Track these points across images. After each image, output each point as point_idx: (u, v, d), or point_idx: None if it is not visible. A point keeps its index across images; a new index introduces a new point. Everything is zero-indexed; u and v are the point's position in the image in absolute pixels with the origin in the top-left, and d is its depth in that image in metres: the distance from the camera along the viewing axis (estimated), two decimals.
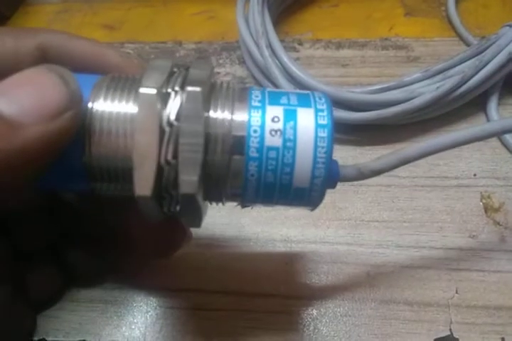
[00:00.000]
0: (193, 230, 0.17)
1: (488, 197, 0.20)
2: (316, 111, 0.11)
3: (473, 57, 0.22)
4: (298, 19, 0.29)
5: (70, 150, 0.11)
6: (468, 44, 0.26)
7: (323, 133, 0.11)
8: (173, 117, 0.11)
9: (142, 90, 0.11)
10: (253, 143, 0.11)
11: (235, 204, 0.13)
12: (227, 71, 0.27)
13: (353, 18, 0.28)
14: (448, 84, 0.21)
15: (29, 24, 0.32)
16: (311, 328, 0.17)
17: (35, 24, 0.32)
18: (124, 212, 0.14)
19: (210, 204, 0.13)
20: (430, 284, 0.18)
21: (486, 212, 0.20)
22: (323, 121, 0.11)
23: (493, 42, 0.22)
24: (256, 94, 0.12)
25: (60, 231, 0.17)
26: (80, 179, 0.11)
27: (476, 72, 0.22)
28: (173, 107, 0.11)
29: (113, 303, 0.18)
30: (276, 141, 0.11)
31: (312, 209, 0.13)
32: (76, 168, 0.11)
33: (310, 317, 0.17)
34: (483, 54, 0.22)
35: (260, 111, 0.11)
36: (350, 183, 0.21)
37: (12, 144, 0.10)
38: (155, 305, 0.18)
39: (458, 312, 0.17)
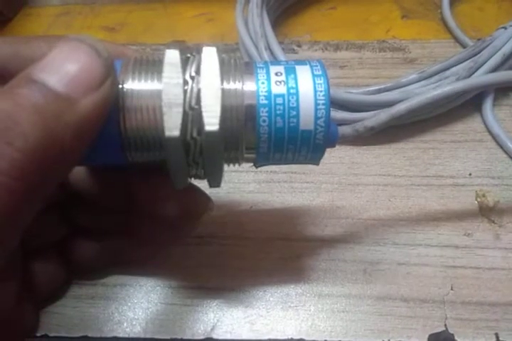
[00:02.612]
0: (201, 234, 0.17)
1: (483, 195, 0.21)
2: (311, 66, 0.13)
3: (469, 58, 0.23)
4: (296, 21, 0.29)
5: (107, 126, 0.12)
6: (464, 46, 0.26)
7: (320, 80, 0.13)
8: (193, 71, 0.12)
9: (168, 50, 0.12)
10: (262, 92, 0.13)
11: (250, 164, 0.14)
12: None
13: (351, 21, 0.29)
14: (443, 85, 0.22)
15: (30, 26, 0.32)
16: (309, 324, 0.18)
17: (37, 26, 0.32)
18: (150, 186, 0.15)
19: (228, 165, 0.14)
20: (426, 281, 0.18)
21: (480, 210, 0.20)
22: (318, 72, 0.13)
23: (489, 44, 0.23)
24: (259, 63, 0.14)
25: (69, 225, 0.17)
26: (116, 151, 0.13)
27: (471, 74, 0.22)
28: (193, 64, 0.12)
29: (114, 300, 0.18)
30: (281, 89, 0.13)
31: (317, 163, 0.14)
32: (112, 141, 0.13)
33: (308, 313, 0.18)
34: (478, 55, 0.23)
35: (265, 69, 0.13)
36: (347, 182, 0.22)
37: (74, 117, 0.11)
38: (156, 301, 0.18)
39: (453, 309, 0.18)
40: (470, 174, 0.21)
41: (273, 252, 0.20)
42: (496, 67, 0.22)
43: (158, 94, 0.12)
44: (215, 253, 0.20)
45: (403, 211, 0.20)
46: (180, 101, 0.12)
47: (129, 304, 0.18)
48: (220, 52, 0.13)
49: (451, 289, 0.18)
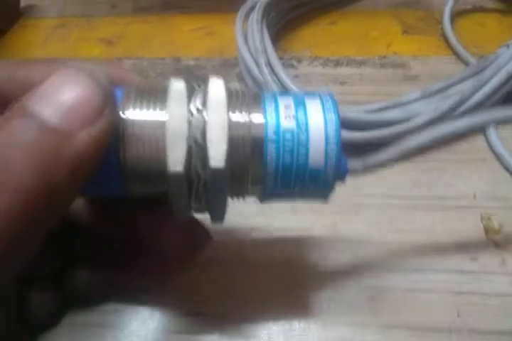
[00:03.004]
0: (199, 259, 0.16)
1: (489, 218, 0.20)
2: (322, 99, 0.13)
3: (472, 76, 0.23)
4: (296, 36, 0.29)
5: (107, 156, 0.12)
6: (465, 62, 0.26)
7: (331, 116, 0.13)
8: (199, 104, 0.12)
9: (173, 81, 0.12)
10: (270, 126, 0.12)
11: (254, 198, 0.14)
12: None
13: (351, 36, 0.28)
14: (446, 104, 0.21)
15: (26, 38, 0.32)
16: None
17: (33, 38, 0.32)
18: (150, 218, 0.15)
19: (232, 199, 0.14)
20: (432, 308, 0.18)
21: (486, 233, 0.20)
22: (329, 106, 0.13)
23: (492, 62, 0.23)
24: (267, 94, 0.14)
25: (66, 254, 0.16)
26: (115, 181, 0.12)
27: (475, 92, 0.22)
28: (199, 96, 0.12)
29: (110, 327, 0.18)
30: (290, 124, 0.12)
31: (326, 201, 0.14)
32: (112, 171, 0.12)
33: None
34: (481, 74, 0.22)
35: (273, 102, 0.13)
36: (350, 203, 0.21)
37: (71, 152, 0.10)
38: (153, 329, 0.18)
39: (460, 337, 0.17)
40: (474, 195, 0.21)
41: (274, 278, 0.19)
42: (500, 86, 0.22)
43: (161, 125, 0.12)
44: (214, 278, 0.19)
45: (407, 234, 0.20)
46: (185, 134, 0.12)
47: (126, 332, 0.18)
48: (226, 83, 0.13)
49: (458, 316, 0.18)
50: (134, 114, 0.12)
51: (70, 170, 0.10)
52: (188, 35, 0.31)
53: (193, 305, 0.18)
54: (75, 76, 0.11)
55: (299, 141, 0.12)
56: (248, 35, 0.26)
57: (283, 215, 0.21)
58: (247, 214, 0.21)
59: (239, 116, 0.12)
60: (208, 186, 0.12)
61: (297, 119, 0.12)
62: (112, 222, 0.15)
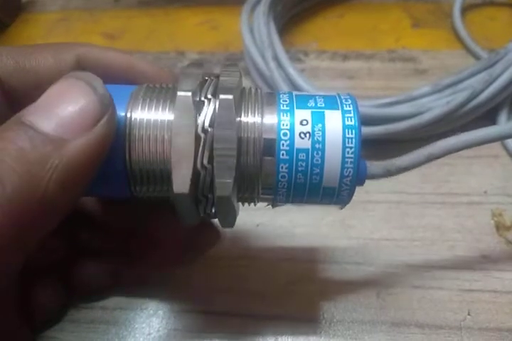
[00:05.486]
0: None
1: (500, 214, 0.20)
2: (343, 112, 0.12)
3: (483, 71, 0.22)
4: (303, 29, 0.29)
5: (111, 158, 0.11)
6: (476, 56, 0.26)
7: (351, 134, 0.11)
8: (207, 124, 0.11)
9: (179, 94, 0.11)
10: (283, 146, 0.11)
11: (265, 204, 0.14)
12: None
13: (359, 29, 0.28)
14: (458, 99, 0.21)
15: (28, 32, 0.32)
16: None
17: (35, 32, 0.31)
18: (157, 215, 0.15)
19: (243, 205, 0.14)
20: (441, 306, 0.18)
21: (497, 230, 0.20)
22: (351, 122, 0.12)
23: (503, 57, 0.22)
24: (284, 98, 0.12)
25: (70, 245, 0.16)
26: (120, 184, 0.12)
27: (486, 87, 0.21)
28: (207, 114, 0.11)
29: (114, 324, 0.18)
30: (305, 143, 0.11)
31: (341, 208, 0.13)
32: (117, 174, 0.12)
33: (319, 340, 0.17)
34: (493, 68, 0.22)
35: (289, 115, 0.12)
36: (358, 199, 0.21)
37: (61, 160, 0.10)
38: (158, 326, 0.18)
39: (470, 335, 0.17)
40: (485, 191, 0.21)
41: (281, 274, 0.19)
42: (511, 81, 0.21)
43: (168, 125, 0.11)
44: (219, 275, 0.19)
45: (417, 230, 0.20)
46: (191, 153, 0.11)
47: (130, 329, 0.17)
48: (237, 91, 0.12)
49: (468, 314, 0.17)
50: (142, 114, 0.12)
51: (59, 180, 0.10)
52: (192, 28, 0.30)
53: (198, 303, 0.18)
54: (72, 86, 0.11)
55: (313, 162, 0.11)
56: (254, 28, 0.25)
57: (290, 212, 0.21)
58: (254, 211, 0.20)
59: (251, 132, 0.12)
60: (216, 207, 0.12)
61: (313, 137, 0.11)
62: (122, 214, 0.15)
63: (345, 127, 0.11)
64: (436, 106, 0.21)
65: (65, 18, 0.32)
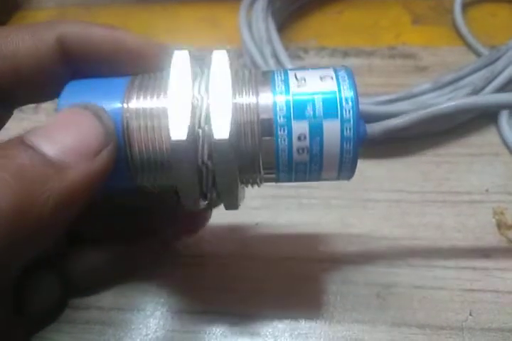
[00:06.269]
0: (202, 254, 0.16)
1: (501, 213, 0.20)
2: (342, 122, 0.11)
3: (484, 68, 0.22)
4: (302, 26, 0.28)
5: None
6: (476, 53, 0.25)
7: (349, 146, 0.12)
8: (203, 119, 0.11)
9: (172, 80, 0.11)
10: (283, 162, 0.12)
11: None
12: None
13: (359, 25, 0.28)
14: (458, 96, 0.20)
15: None
16: None
17: None
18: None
19: (246, 186, 0.14)
20: (443, 306, 0.17)
21: (499, 229, 0.19)
22: (349, 133, 0.11)
23: (504, 53, 0.22)
24: (279, 76, 0.12)
25: (67, 237, 0.16)
26: (123, 174, 0.12)
27: (488, 84, 0.21)
28: (202, 107, 0.11)
29: (110, 325, 0.17)
30: (303, 158, 0.12)
31: (348, 179, 0.13)
32: (119, 165, 0.12)
33: None
34: (494, 65, 0.22)
35: (286, 130, 0.12)
36: (358, 198, 0.20)
37: (60, 185, 0.10)
38: (155, 327, 0.17)
39: (472, 336, 0.17)
40: (487, 190, 0.20)
41: (279, 273, 0.18)
42: None
43: (165, 113, 0.11)
44: (218, 274, 0.18)
45: (418, 229, 0.19)
46: (188, 119, 0.11)
47: (126, 330, 0.17)
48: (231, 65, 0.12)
49: (470, 314, 0.17)
50: (138, 103, 0.12)
51: (55, 203, 0.10)
52: (190, 25, 0.30)
53: (196, 303, 0.18)
54: (79, 114, 0.11)
55: (311, 170, 0.12)
56: (253, 24, 0.25)
57: (289, 210, 0.20)
58: (253, 209, 0.20)
59: (247, 113, 0.12)
60: (217, 168, 0.12)
61: (311, 152, 0.12)
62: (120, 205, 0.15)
63: (343, 139, 0.12)
64: (437, 103, 0.21)
65: (61, 15, 0.32)
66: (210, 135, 0.11)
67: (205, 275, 0.18)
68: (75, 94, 0.12)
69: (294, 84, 0.12)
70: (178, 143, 0.11)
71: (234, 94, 0.12)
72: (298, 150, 0.12)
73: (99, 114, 0.11)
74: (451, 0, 0.28)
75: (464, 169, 0.21)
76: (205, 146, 0.11)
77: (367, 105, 0.21)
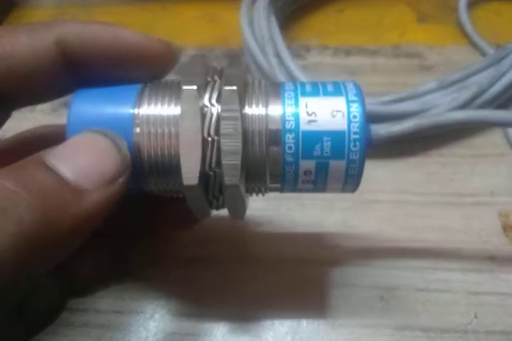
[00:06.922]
0: (202, 256, 0.16)
1: (506, 215, 0.19)
2: (349, 163, 0.12)
3: (490, 67, 0.22)
4: (304, 24, 0.28)
5: None
6: (482, 52, 0.25)
7: (351, 183, 0.12)
8: (213, 126, 0.12)
9: (185, 88, 0.12)
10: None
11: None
12: None
13: (362, 24, 0.27)
14: (464, 95, 0.20)
15: None
16: None
17: None
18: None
19: (251, 195, 0.14)
20: (447, 309, 0.17)
21: (504, 231, 0.19)
22: (353, 172, 0.12)
23: (510, 52, 0.21)
24: (289, 87, 0.12)
25: None
26: (132, 178, 0.12)
27: (493, 83, 0.21)
28: (213, 114, 0.12)
29: (109, 328, 0.17)
30: (307, 187, 0.13)
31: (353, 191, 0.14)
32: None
33: None
34: (500, 64, 0.21)
35: (293, 170, 0.12)
36: (361, 199, 0.20)
37: (77, 209, 0.10)
38: (154, 330, 0.17)
39: (476, 339, 0.16)
40: (492, 192, 0.20)
41: (281, 276, 0.18)
42: None
43: (175, 120, 0.12)
44: (218, 276, 0.18)
45: (422, 231, 0.19)
46: (199, 130, 0.11)
47: (125, 333, 0.17)
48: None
49: (475, 317, 0.17)
50: (148, 110, 0.12)
51: (73, 226, 0.10)
52: (190, 22, 0.29)
53: (196, 305, 0.17)
54: (100, 141, 0.11)
55: (316, 189, 0.13)
56: (254, 22, 0.24)
57: (292, 211, 0.20)
58: (256, 211, 0.20)
59: (255, 123, 0.12)
60: (225, 197, 0.12)
61: (315, 183, 0.12)
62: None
63: (347, 177, 0.12)
64: (442, 103, 0.20)
65: (59, 14, 0.31)
66: (219, 148, 0.11)
67: (205, 277, 0.18)
68: (86, 103, 0.12)
69: (305, 118, 0.12)
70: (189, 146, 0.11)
71: (244, 105, 0.12)
72: (303, 181, 0.12)
73: (118, 143, 0.11)
74: None
75: (468, 170, 0.21)
76: (214, 153, 0.12)
77: (371, 105, 0.21)
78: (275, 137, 0.12)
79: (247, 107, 0.12)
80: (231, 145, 0.11)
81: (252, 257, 0.19)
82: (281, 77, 0.22)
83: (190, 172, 0.11)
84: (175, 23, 0.30)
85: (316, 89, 0.12)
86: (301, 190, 0.13)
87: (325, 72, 0.25)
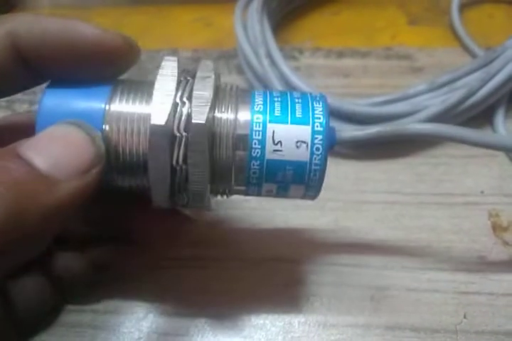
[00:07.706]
0: (195, 256, 0.17)
1: (497, 215, 0.19)
2: (308, 187, 0.13)
3: (480, 69, 0.22)
4: (297, 27, 0.28)
5: None
6: (473, 54, 0.25)
7: (312, 195, 0.14)
8: (182, 124, 0.12)
9: (156, 94, 0.12)
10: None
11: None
12: (225, 80, 0.26)
13: (355, 26, 0.27)
14: (454, 97, 0.20)
15: None
16: None
17: None
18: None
19: (215, 197, 0.14)
20: (437, 309, 0.17)
21: (494, 231, 0.19)
22: (312, 190, 0.13)
23: (500, 54, 0.22)
24: (258, 96, 0.13)
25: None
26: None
27: (483, 85, 0.21)
28: (182, 114, 0.12)
29: (103, 329, 0.17)
30: (270, 194, 0.14)
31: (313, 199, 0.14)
32: None
33: None
34: (489, 66, 0.21)
35: (256, 187, 0.13)
36: (352, 200, 0.20)
37: (50, 199, 0.10)
38: (147, 330, 0.17)
39: (466, 339, 0.17)
40: (482, 192, 0.20)
41: (274, 276, 0.18)
42: (508, 79, 0.21)
43: (145, 118, 0.12)
44: (212, 277, 0.18)
45: (413, 231, 0.19)
46: (169, 128, 0.12)
47: (118, 334, 0.17)
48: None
49: (465, 317, 0.17)
50: (119, 107, 0.12)
51: (44, 215, 0.10)
52: (185, 26, 0.30)
53: (189, 306, 0.17)
54: (74, 133, 0.11)
55: (279, 194, 0.14)
56: (248, 25, 0.25)
57: (284, 211, 0.20)
58: (248, 210, 0.20)
59: (224, 127, 0.12)
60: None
61: (277, 195, 0.14)
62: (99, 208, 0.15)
63: (306, 194, 0.13)
64: (433, 104, 0.20)
65: (56, 15, 0.31)
66: (188, 137, 0.12)
67: (199, 277, 0.18)
68: (57, 97, 0.12)
69: (270, 147, 0.12)
70: (157, 129, 0.11)
71: (213, 109, 0.12)
72: (267, 191, 0.13)
73: (92, 134, 0.12)
74: (447, 1, 0.28)
75: (459, 171, 0.21)
76: (182, 148, 0.12)
77: (362, 106, 0.21)
78: (242, 142, 0.12)
79: (217, 111, 0.12)
80: (199, 152, 0.12)
81: (246, 258, 0.19)
82: (273, 78, 0.22)
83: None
84: (170, 26, 0.30)
85: (285, 112, 0.13)
86: (265, 196, 0.14)
87: (317, 74, 0.25)
